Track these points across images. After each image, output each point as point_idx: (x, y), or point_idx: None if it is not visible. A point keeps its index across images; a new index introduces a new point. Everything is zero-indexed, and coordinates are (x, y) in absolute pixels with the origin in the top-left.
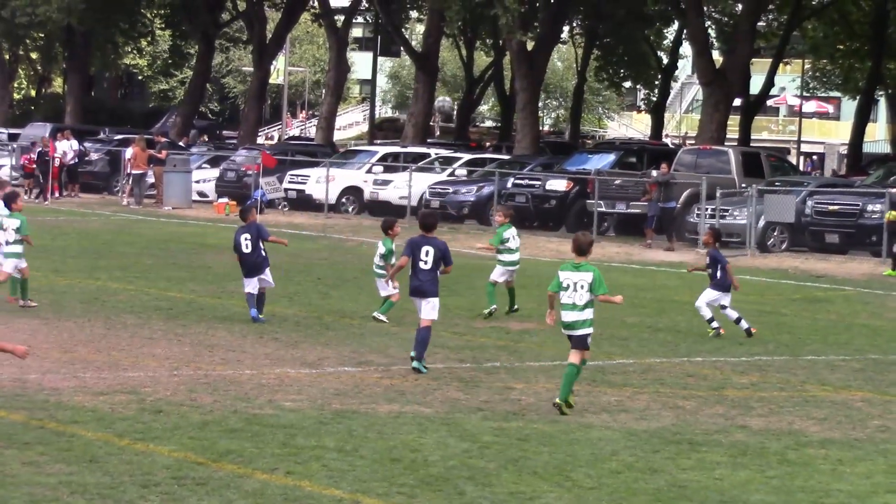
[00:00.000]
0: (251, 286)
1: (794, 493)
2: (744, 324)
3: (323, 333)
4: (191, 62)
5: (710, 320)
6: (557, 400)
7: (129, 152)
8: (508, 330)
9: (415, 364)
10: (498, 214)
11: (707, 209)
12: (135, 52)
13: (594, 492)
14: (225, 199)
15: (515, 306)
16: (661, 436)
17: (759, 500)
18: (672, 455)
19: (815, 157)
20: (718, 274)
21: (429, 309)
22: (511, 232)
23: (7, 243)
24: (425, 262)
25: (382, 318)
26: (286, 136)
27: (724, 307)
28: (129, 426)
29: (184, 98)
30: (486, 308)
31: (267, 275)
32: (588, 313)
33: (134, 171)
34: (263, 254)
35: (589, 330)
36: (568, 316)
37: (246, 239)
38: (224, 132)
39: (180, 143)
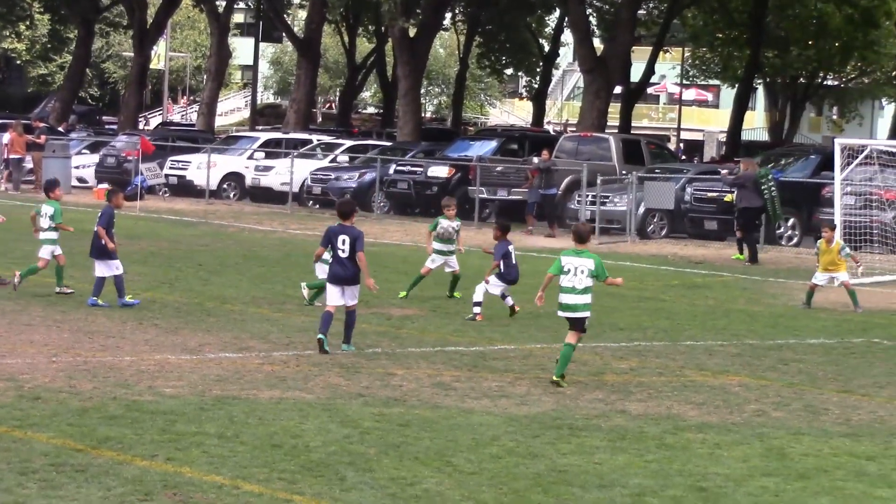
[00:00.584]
0: (96, 269)
1: (672, 476)
2: (509, 300)
3: (204, 320)
4: (70, 47)
5: (478, 304)
6: (554, 377)
7: (6, 137)
8: (389, 316)
9: (345, 348)
10: (450, 209)
11: (588, 196)
12: (13, 36)
13: (475, 477)
14: (105, 185)
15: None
16: (542, 421)
17: (637, 484)
18: (552, 440)
19: (681, 145)
20: (502, 267)
21: (350, 296)
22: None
23: (43, 230)
24: (343, 251)
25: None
26: (159, 123)
27: (504, 296)
28: (6, 413)
29: (63, 83)
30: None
31: (101, 265)
32: (587, 297)
33: (11, 157)
34: (102, 242)
35: (587, 313)
36: (566, 298)
37: (98, 217)
38: (104, 118)
39: (59, 129)
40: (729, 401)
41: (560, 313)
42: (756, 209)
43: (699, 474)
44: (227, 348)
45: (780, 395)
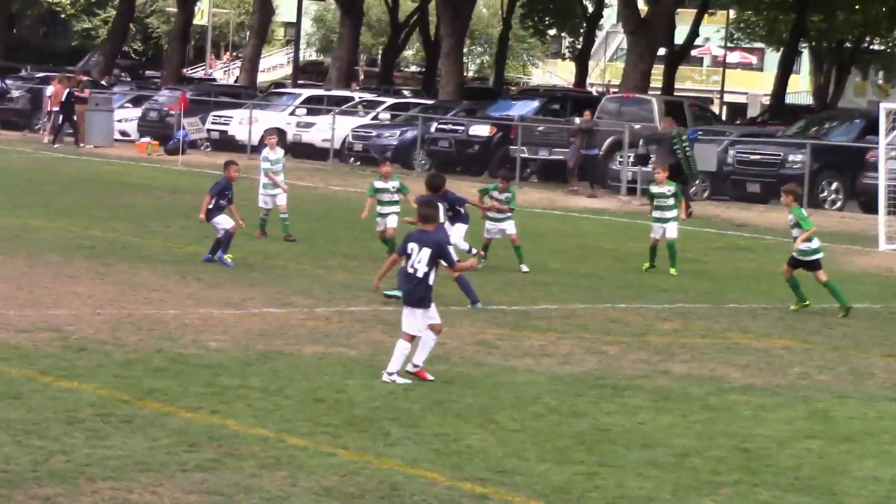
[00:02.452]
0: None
1: (717, 437)
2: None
3: (247, 275)
4: (114, 1)
5: (469, 249)
6: (842, 306)
7: (49, 90)
8: None
9: (479, 306)
10: (660, 172)
11: (629, 157)
12: None
13: (518, 434)
14: (147, 139)
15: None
16: (585, 380)
17: (682, 445)
18: (595, 399)
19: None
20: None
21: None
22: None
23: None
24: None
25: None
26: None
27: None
28: (53, 364)
29: (107, 37)
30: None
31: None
32: (815, 243)
33: (55, 109)
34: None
35: (821, 255)
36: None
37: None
38: (147, 72)
39: (102, 83)
40: (773, 363)
41: (800, 258)
42: (670, 167)
43: (743, 436)
44: (271, 303)
45: (824, 359)
